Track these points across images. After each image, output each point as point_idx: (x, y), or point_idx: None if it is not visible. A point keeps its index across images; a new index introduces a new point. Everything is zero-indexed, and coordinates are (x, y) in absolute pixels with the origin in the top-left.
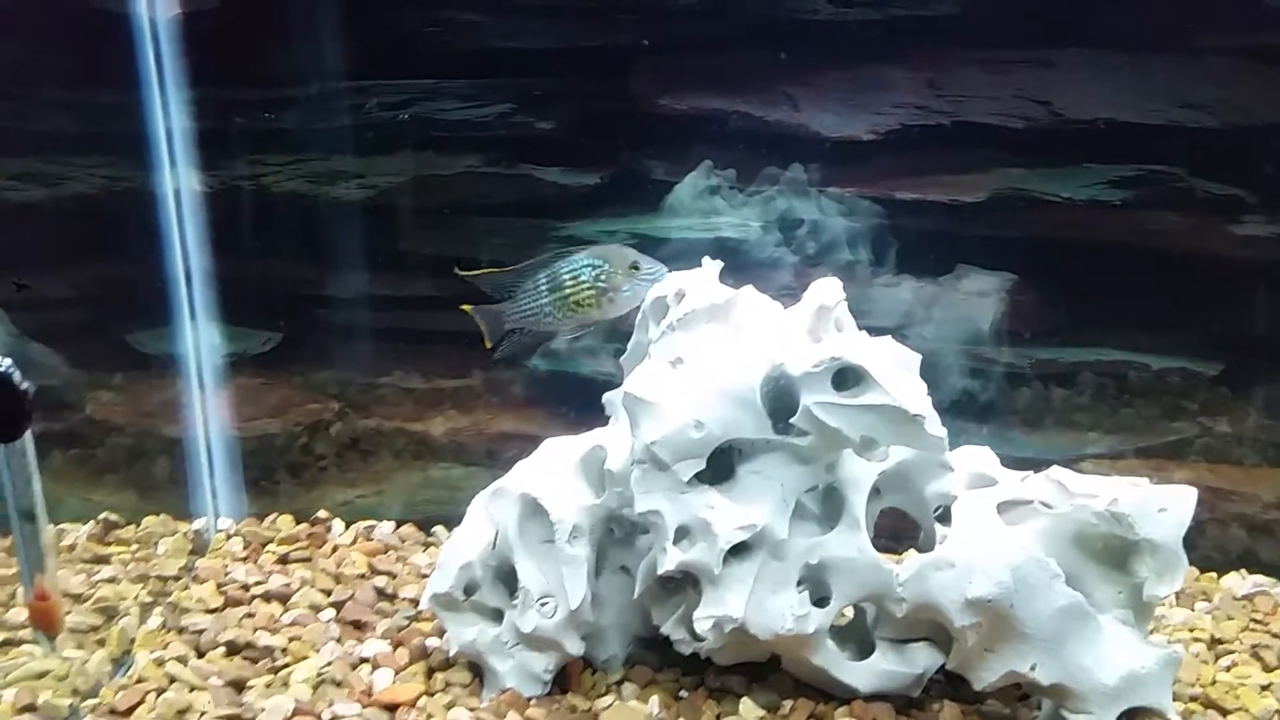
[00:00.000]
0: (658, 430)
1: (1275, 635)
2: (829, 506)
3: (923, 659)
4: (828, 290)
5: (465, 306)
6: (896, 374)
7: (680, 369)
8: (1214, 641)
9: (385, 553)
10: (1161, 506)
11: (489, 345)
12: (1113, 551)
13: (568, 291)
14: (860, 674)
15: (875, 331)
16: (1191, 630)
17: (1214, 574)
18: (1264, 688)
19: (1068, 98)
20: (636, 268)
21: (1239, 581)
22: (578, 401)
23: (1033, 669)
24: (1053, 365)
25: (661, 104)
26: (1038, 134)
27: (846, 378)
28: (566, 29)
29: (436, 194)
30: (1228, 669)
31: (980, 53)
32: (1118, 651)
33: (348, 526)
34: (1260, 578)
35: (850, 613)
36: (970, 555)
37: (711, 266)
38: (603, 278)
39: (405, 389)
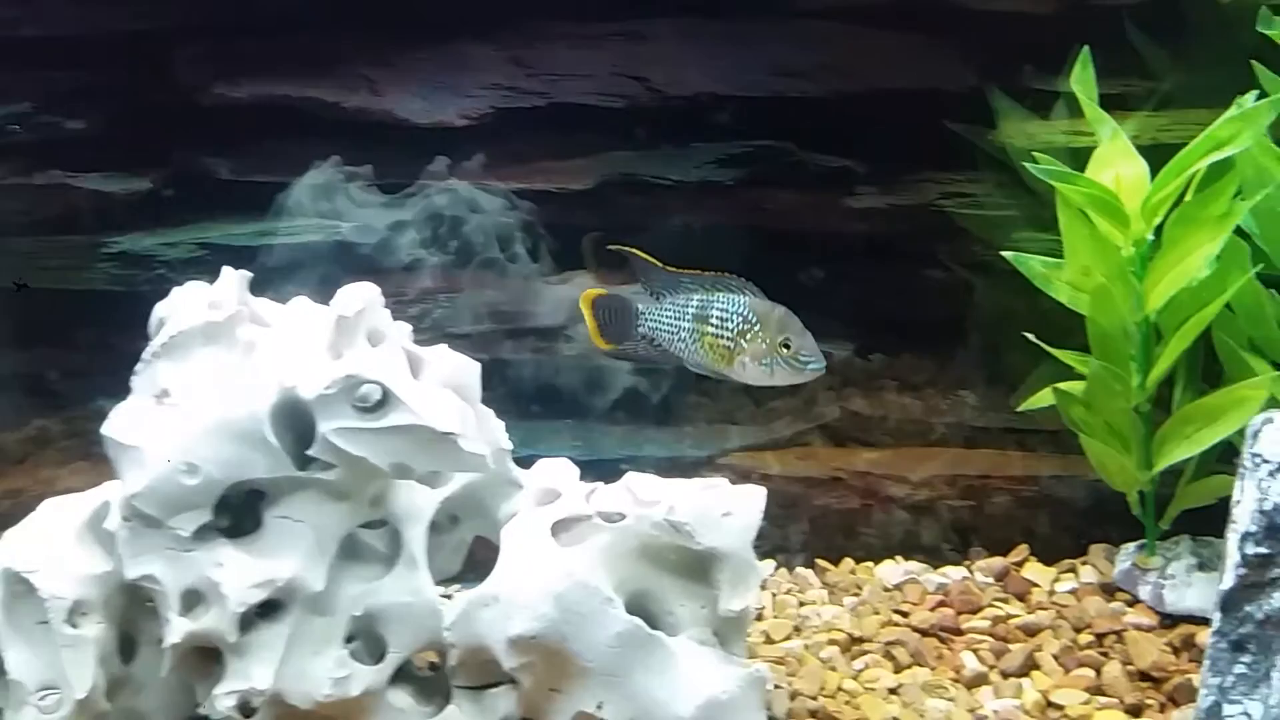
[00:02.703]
0: (141, 479)
1: (915, 629)
2: (396, 545)
3: (502, 705)
4: (351, 297)
5: (591, 291)
6: (428, 390)
7: (168, 403)
8: (852, 641)
9: None
10: (726, 511)
11: (602, 344)
12: (690, 564)
13: (710, 329)
14: None
15: (540, 333)
16: (830, 630)
17: (870, 563)
18: (892, 690)
19: (665, 73)
20: (787, 346)
21: (893, 569)
22: None
23: (600, 708)
24: None
25: (217, 93)
26: (639, 113)
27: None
28: (93, 12)
29: None
30: (859, 672)
31: (566, 26)
32: (695, 677)
33: None
34: (914, 564)
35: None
36: (512, 587)
37: (234, 277)
38: (748, 337)
39: None
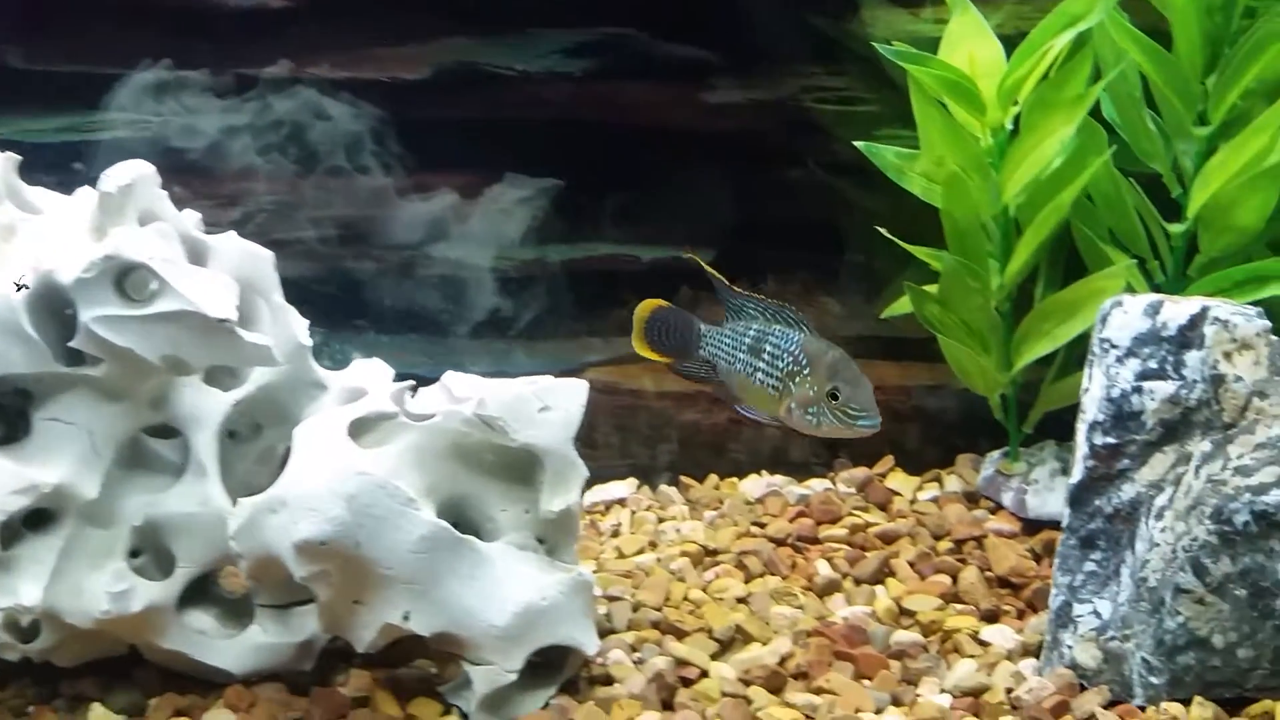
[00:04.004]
0: None
1: (770, 539)
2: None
3: (309, 624)
4: (117, 173)
5: (652, 302)
6: (201, 274)
7: None
8: (705, 553)
9: None
10: (543, 405)
11: (655, 354)
12: (510, 465)
13: (761, 365)
14: (230, 653)
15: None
16: (684, 543)
17: (735, 479)
18: (740, 599)
19: None
20: (835, 396)
21: (756, 483)
22: None
23: (406, 618)
24: (538, 267)
25: None
26: None
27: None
28: None
29: None
30: (708, 583)
31: None
32: (511, 583)
33: None
34: (778, 478)
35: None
36: (301, 490)
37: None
38: (796, 380)
39: None
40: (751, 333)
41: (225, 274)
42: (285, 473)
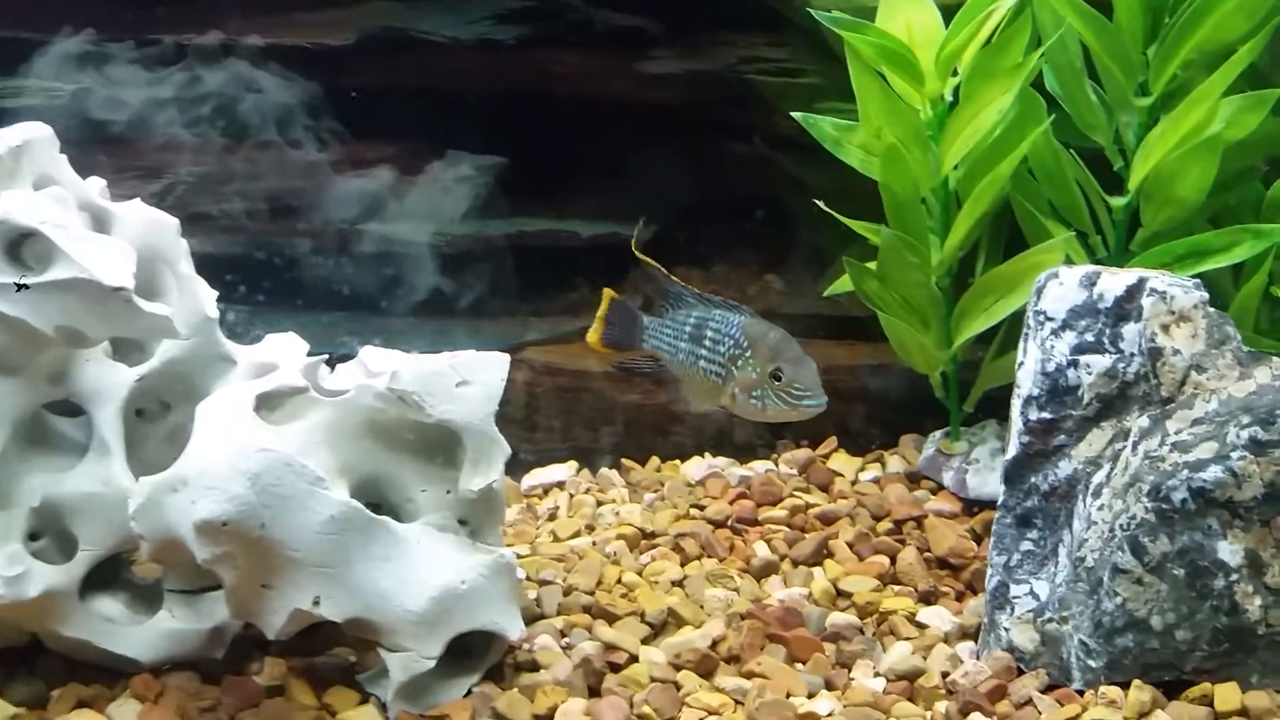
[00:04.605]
0: None
1: (709, 521)
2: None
3: (221, 610)
4: (8, 135)
5: (610, 291)
6: (97, 240)
7: None
8: (642, 535)
9: None
10: (461, 380)
11: (603, 346)
12: (431, 443)
13: (702, 352)
14: (137, 641)
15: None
16: (621, 526)
17: (677, 461)
18: (676, 582)
19: None
20: (777, 377)
21: (698, 465)
22: None
23: (317, 603)
24: (475, 242)
25: None
26: None
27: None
28: None
29: None
30: (644, 566)
31: None
32: (429, 566)
33: None
34: (720, 460)
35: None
36: (202, 467)
37: None
38: (738, 363)
39: None
40: (692, 320)
41: (126, 242)
42: (186, 450)
